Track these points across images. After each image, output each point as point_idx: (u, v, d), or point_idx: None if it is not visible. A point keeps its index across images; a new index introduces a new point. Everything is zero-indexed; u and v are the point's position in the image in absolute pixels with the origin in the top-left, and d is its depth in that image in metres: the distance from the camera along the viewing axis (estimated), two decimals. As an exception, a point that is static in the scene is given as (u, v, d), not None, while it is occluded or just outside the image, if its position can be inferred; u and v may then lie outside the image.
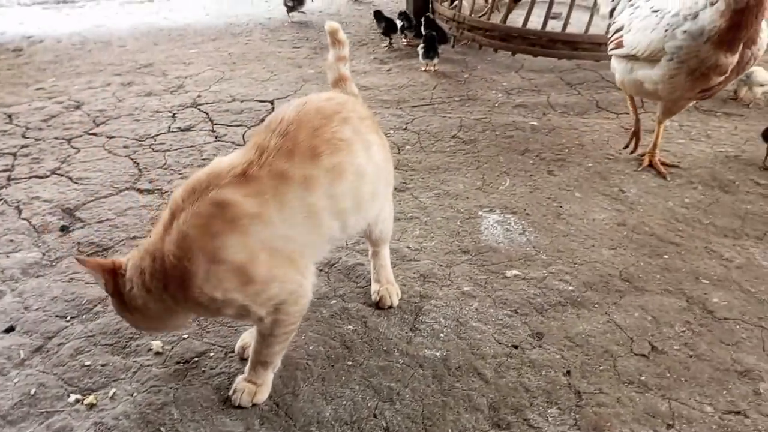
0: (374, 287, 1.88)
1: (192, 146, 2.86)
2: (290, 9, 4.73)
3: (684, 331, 1.79)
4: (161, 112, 3.25)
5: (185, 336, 1.75)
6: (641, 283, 1.98)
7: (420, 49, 3.75)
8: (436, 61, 3.78)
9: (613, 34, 2.63)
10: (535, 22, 3.80)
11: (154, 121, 3.14)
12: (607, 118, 3.15)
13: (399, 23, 4.19)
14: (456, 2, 4.23)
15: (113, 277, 1.35)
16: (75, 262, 1.46)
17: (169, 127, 3.06)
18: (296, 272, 1.39)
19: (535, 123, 3.09)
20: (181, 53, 4.17)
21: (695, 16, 2.19)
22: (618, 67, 2.61)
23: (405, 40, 4.24)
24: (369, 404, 1.53)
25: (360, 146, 1.45)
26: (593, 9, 3.66)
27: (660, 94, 2.46)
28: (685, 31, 2.21)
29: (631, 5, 2.59)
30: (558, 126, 3.05)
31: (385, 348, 1.71)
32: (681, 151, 2.79)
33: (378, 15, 4.23)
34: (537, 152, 2.81)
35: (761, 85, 3.19)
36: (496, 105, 3.31)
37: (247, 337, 1.66)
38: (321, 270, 2.03)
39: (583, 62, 3.77)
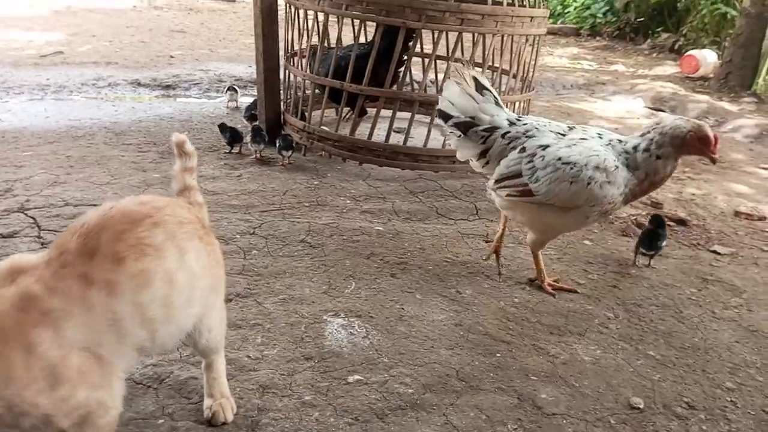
0: (207, 402, 1.76)
1: (13, 254, 2.62)
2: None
3: (516, 428, 1.85)
4: (-18, 217, 2.97)
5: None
6: (476, 382, 2.05)
7: (248, 137, 4.11)
8: (262, 146, 4.07)
9: (505, 180, 2.55)
10: (381, 135, 4.04)
11: (-29, 227, 2.86)
12: (446, 224, 3.35)
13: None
14: (306, 114, 4.40)
15: None
16: None
17: (-11, 234, 2.80)
18: (104, 379, 1.29)
19: (380, 228, 3.20)
20: (13, 156, 3.91)
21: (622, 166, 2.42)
22: (522, 211, 2.63)
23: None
24: None
25: (173, 252, 1.41)
26: (430, 125, 3.97)
27: (569, 230, 2.86)
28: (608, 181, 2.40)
29: (514, 147, 2.56)
30: (401, 231, 3.19)
31: (216, 468, 1.59)
32: (510, 254, 3.01)
33: (222, 126, 4.30)
34: (382, 256, 2.89)
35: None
36: (344, 211, 3.40)
37: None
38: (149, 386, 1.88)
39: (424, 172, 4.02)
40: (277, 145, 4.04)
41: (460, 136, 2.67)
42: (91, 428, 1.28)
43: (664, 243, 2.99)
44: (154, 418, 1.76)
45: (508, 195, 2.57)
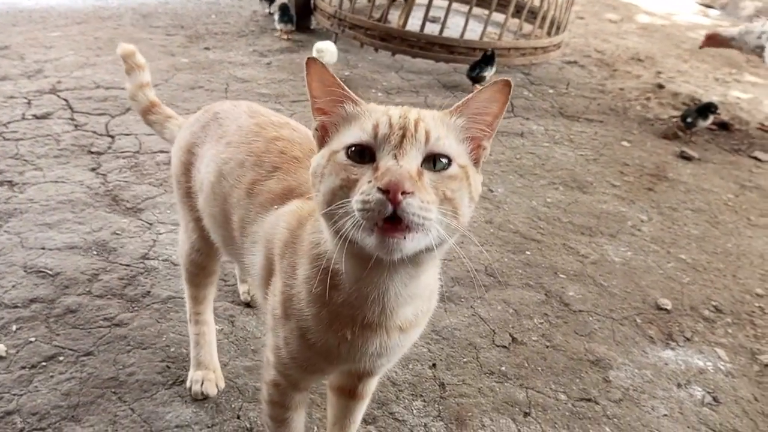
0: (243, 287, 1.82)
1: (48, 135, 2.64)
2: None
3: (542, 323, 1.89)
4: (15, 98, 2.96)
5: (32, 339, 1.61)
6: (504, 277, 2.07)
7: (276, 15, 4.05)
8: (290, 26, 4.05)
9: None
10: (416, 25, 3.88)
11: (6, 108, 2.86)
12: (480, 120, 3.27)
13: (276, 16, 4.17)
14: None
15: None
16: None
17: (24, 115, 2.80)
18: None
19: (412, 122, 3.14)
20: (43, 36, 3.84)
21: None
22: None
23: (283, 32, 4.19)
24: (233, 405, 1.49)
25: None
26: (468, 14, 3.78)
27: None
28: None
29: None
30: (434, 126, 3.12)
31: (252, 347, 1.66)
32: (545, 154, 2.95)
33: None
34: (413, 151, 2.85)
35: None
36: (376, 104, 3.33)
37: None
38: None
39: (459, 66, 3.88)
40: (276, 15, 4.02)
41: None
42: None
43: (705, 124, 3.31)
44: (193, 297, 1.83)
45: None
